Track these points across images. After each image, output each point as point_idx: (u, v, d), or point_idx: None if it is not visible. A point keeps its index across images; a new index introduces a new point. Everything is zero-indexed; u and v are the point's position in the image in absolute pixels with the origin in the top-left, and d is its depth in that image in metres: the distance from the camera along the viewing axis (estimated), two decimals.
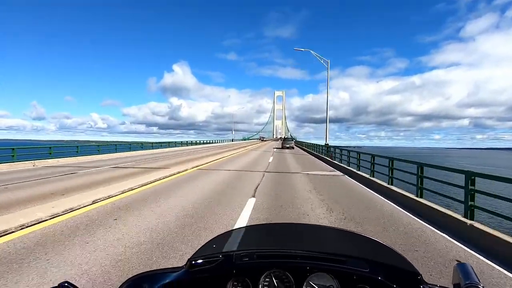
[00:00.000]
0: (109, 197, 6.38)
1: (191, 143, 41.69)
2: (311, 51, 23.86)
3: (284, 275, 0.92)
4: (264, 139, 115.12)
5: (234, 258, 1.01)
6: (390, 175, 8.43)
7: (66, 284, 0.81)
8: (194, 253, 1.10)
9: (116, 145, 22.57)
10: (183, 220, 4.78)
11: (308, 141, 41.35)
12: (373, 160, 10.00)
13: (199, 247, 1.18)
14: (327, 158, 18.65)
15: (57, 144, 21.38)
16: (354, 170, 11.66)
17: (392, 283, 0.88)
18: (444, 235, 4.46)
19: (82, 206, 5.54)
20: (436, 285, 0.92)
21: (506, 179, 4.50)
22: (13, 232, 4.05)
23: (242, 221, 4.81)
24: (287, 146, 35.97)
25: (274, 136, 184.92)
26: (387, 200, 6.99)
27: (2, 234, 3.95)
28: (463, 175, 5.02)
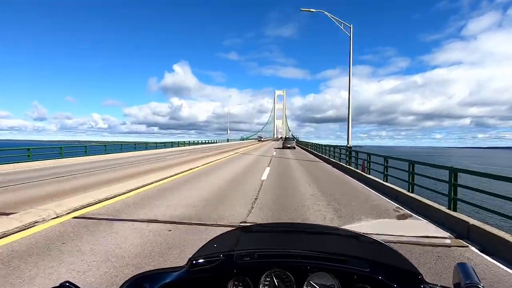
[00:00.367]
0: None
1: (182, 144, 36.49)
2: (325, 12, 17.43)
3: (285, 275, 0.92)
4: (262, 139, 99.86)
5: (234, 257, 1.02)
6: None
7: (67, 284, 0.82)
8: (195, 253, 1.10)
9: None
10: None
11: (311, 141, 37.59)
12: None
13: (200, 247, 1.18)
14: (352, 169, 12.01)
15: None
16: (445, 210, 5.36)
17: (392, 283, 0.88)
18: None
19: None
20: (437, 285, 0.92)
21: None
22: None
23: None
24: (288, 146, 35.69)
25: (275, 136, 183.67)
26: None
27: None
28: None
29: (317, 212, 5.58)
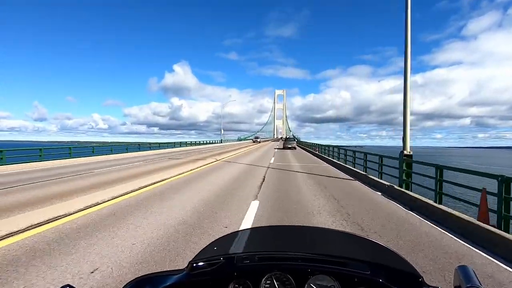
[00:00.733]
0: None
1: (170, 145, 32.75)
2: None
3: (285, 277, 0.92)
4: (259, 139, 79.54)
5: (235, 260, 1.01)
6: None
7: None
8: (195, 256, 1.10)
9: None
10: None
11: (313, 141, 34.34)
12: None
13: (200, 250, 1.18)
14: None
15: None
16: None
17: (393, 286, 0.88)
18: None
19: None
20: (438, 287, 0.92)
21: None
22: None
23: None
24: (289, 146, 35.59)
25: (275, 136, 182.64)
26: None
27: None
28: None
29: None
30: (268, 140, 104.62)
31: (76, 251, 3.46)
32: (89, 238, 3.89)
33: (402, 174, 7.98)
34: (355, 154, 13.10)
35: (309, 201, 6.46)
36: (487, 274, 3.06)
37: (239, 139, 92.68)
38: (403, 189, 7.28)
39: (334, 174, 11.98)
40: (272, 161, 17.58)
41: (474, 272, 0.87)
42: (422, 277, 0.94)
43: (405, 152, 8.29)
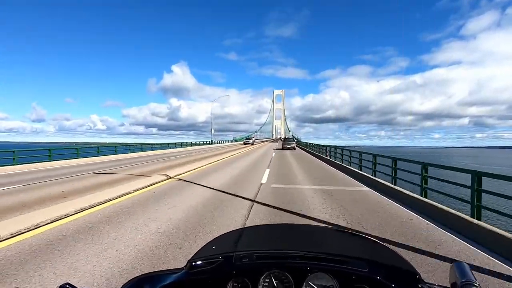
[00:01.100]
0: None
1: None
2: None
3: (284, 276, 0.92)
4: (251, 141, 60.76)
5: (233, 259, 1.02)
6: None
7: (67, 286, 0.82)
8: (194, 255, 1.11)
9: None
10: None
11: (311, 141, 29.77)
12: None
13: (199, 249, 1.19)
14: None
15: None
16: None
17: (390, 283, 0.89)
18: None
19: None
20: (435, 284, 0.93)
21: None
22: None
23: None
24: (288, 147, 34.80)
25: (274, 137, 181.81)
26: None
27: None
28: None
29: None
30: (266, 141, 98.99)
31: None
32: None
33: None
34: (393, 164, 8.49)
35: None
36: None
37: (235, 140, 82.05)
38: None
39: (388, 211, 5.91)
40: (264, 178, 9.90)
41: (470, 268, 0.88)
42: (419, 274, 0.95)
43: None
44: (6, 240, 3.88)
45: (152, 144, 31.68)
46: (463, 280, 0.81)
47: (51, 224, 4.58)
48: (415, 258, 3.35)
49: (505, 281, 2.81)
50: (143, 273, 1.03)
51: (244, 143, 59.10)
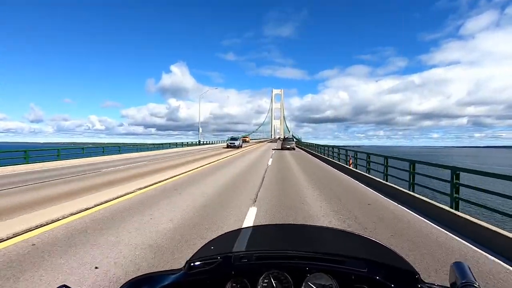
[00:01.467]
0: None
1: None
2: None
3: (283, 276, 0.92)
4: (236, 144, 36.67)
5: (232, 259, 1.01)
6: None
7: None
8: (193, 255, 1.10)
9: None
10: None
11: (311, 141, 25.57)
12: None
13: (197, 249, 1.18)
14: None
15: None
16: None
17: (390, 283, 0.88)
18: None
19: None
20: (434, 284, 0.93)
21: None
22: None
23: None
24: (287, 147, 33.84)
25: (273, 137, 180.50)
26: None
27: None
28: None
29: None
30: (265, 141, 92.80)
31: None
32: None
33: None
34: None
35: None
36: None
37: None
38: None
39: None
40: (252, 213, 5.36)
41: (469, 268, 0.87)
42: (418, 274, 0.94)
43: None
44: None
45: (120, 147, 24.40)
46: (463, 281, 0.80)
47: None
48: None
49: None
50: (142, 273, 1.03)
51: (228, 146, 37.11)
